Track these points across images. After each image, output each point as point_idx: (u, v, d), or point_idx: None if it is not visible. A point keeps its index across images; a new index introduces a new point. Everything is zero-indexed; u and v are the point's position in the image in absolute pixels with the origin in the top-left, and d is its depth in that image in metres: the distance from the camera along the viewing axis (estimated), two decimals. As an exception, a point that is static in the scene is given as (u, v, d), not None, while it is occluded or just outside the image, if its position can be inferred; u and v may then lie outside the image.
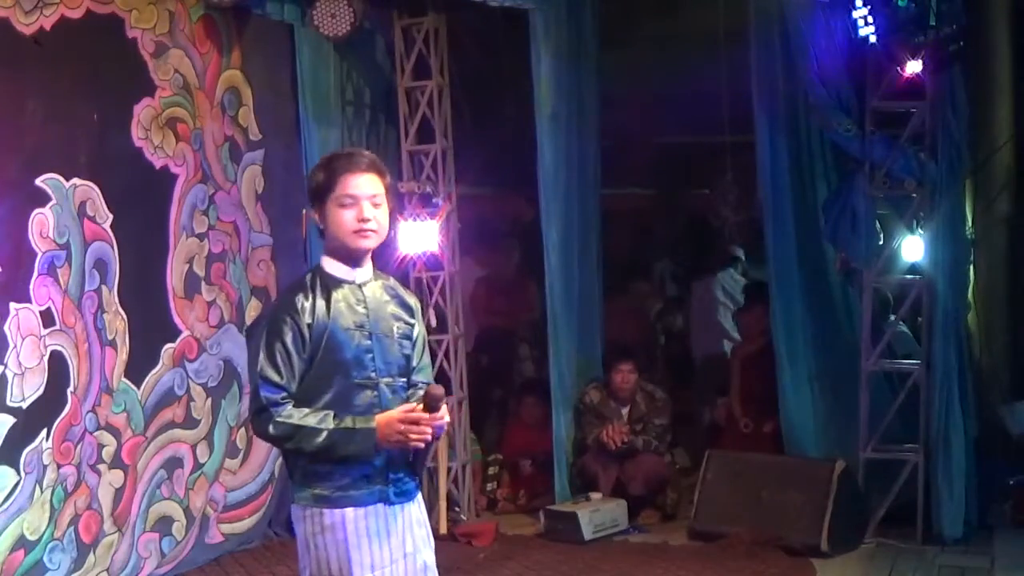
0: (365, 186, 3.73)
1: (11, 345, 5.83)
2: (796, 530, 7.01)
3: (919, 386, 7.11)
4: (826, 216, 7.35)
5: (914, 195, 7.15)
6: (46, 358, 6.00)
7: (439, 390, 3.71)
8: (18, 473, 5.83)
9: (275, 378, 3.63)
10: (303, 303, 3.68)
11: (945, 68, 6.83)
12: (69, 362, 6.14)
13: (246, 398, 7.31)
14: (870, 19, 6.65)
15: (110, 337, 6.43)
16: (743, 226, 10.20)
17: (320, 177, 3.75)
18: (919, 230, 7.20)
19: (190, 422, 7.01)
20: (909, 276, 7.31)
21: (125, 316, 6.53)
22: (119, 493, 6.52)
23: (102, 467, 6.41)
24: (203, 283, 7.11)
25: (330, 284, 3.74)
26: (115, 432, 6.49)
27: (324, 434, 3.61)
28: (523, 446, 8.66)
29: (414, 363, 3.88)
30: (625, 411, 8.11)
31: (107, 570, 6.44)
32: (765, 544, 7.01)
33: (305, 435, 3.61)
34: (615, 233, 9.27)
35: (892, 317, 7.52)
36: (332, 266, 3.77)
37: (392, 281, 3.93)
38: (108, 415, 6.44)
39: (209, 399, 7.13)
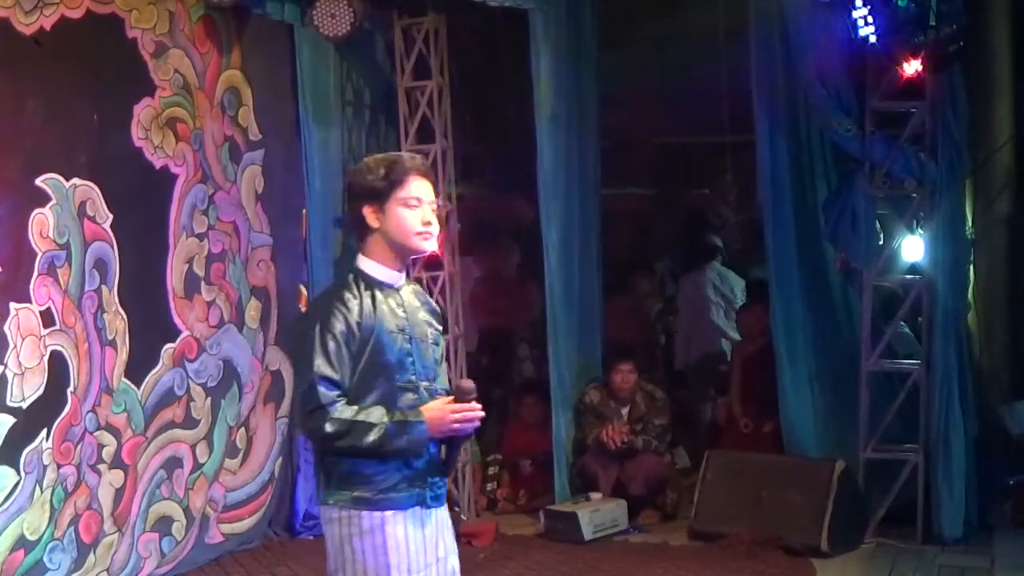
0: (428, 190, 3.77)
1: (11, 345, 5.83)
2: (796, 530, 7.00)
3: (919, 386, 7.11)
4: (826, 216, 7.34)
5: (914, 195, 7.15)
6: (46, 358, 6.00)
7: (469, 383, 3.75)
8: (18, 473, 5.83)
9: (332, 375, 3.61)
10: (352, 302, 3.67)
11: (945, 68, 6.83)
12: (69, 362, 6.14)
13: (247, 397, 7.34)
14: (870, 19, 6.64)
15: (110, 337, 6.43)
16: (743, 226, 10.21)
17: (380, 175, 3.71)
18: (919, 230, 7.20)
19: (190, 422, 7.01)
20: (909, 276, 7.30)
21: (125, 316, 6.53)
22: (119, 493, 6.52)
23: (102, 467, 6.41)
24: (203, 283, 7.11)
25: (373, 286, 3.73)
26: (115, 432, 6.49)
27: (379, 428, 3.60)
28: (523, 446, 8.66)
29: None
30: (625, 411, 8.11)
31: (107, 570, 6.44)
32: (765, 544, 7.00)
33: (360, 430, 3.59)
34: (615, 233, 9.27)
35: (898, 318, 7.49)
36: (374, 268, 3.75)
37: (418, 286, 3.96)
38: (108, 415, 6.44)
39: (209, 399, 7.13)
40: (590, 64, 8.25)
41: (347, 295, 3.68)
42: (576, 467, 8.07)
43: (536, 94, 7.84)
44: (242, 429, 7.37)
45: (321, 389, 3.59)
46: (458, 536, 7.73)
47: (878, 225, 7.31)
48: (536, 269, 8.40)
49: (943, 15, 6.58)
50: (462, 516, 7.94)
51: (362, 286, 3.71)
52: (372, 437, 3.59)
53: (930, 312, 7.10)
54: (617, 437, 7.89)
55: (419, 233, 3.73)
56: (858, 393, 7.23)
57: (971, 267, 7.43)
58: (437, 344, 3.89)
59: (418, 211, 3.72)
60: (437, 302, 7.95)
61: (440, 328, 3.93)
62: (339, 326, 3.63)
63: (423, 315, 3.85)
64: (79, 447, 6.20)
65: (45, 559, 6.02)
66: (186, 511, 6.99)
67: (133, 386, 6.61)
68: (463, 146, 8.33)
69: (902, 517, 7.08)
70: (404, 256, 3.80)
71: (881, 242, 7.34)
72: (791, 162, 7.46)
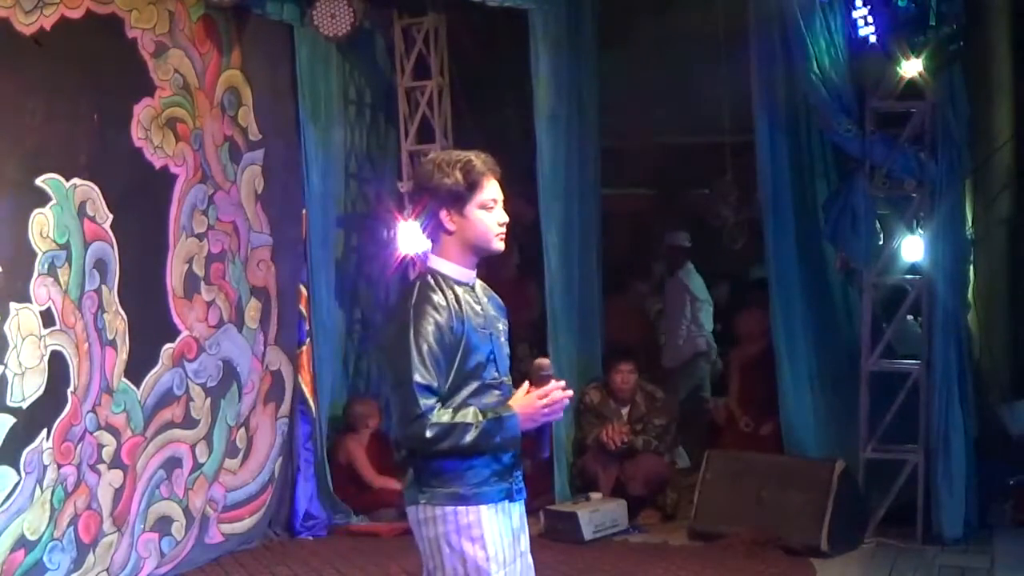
0: (499, 190, 3.82)
1: (11, 345, 5.83)
2: (796, 530, 7.00)
3: (919, 386, 7.10)
4: (826, 216, 7.35)
5: (914, 195, 7.15)
6: (46, 358, 6.00)
7: (545, 360, 3.82)
8: (18, 473, 5.83)
9: (428, 382, 3.61)
10: (441, 304, 3.68)
11: (945, 68, 6.83)
12: (69, 362, 6.14)
13: (246, 397, 7.34)
14: (870, 19, 6.65)
15: (110, 337, 6.43)
16: (743, 226, 10.20)
17: (459, 178, 3.72)
18: (919, 230, 7.20)
19: (189, 422, 7.01)
20: (909, 276, 7.30)
21: (125, 316, 6.53)
22: (119, 493, 6.52)
23: (102, 467, 6.41)
24: (202, 283, 7.11)
25: (452, 285, 3.74)
26: (115, 432, 6.49)
27: (476, 428, 3.62)
28: (523, 446, 8.63)
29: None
30: (625, 411, 8.11)
31: (107, 570, 6.44)
32: (765, 544, 7.00)
33: (459, 432, 3.61)
34: (615, 233, 9.27)
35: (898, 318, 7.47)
36: (449, 268, 3.77)
37: (483, 283, 3.96)
38: (108, 415, 6.44)
39: (208, 399, 7.13)
40: (590, 64, 8.26)
41: (435, 298, 3.68)
42: (576, 467, 8.07)
43: (536, 94, 7.84)
44: (242, 429, 7.37)
45: (420, 398, 3.59)
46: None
47: (878, 225, 7.31)
48: (535, 269, 8.40)
49: (943, 15, 6.58)
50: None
51: (443, 286, 3.73)
52: (470, 437, 3.62)
53: (930, 312, 7.10)
54: (617, 437, 7.89)
55: (497, 235, 3.79)
56: (858, 393, 7.23)
57: (971, 267, 7.43)
58: (507, 338, 3.93)
59: (495, 213, 3.78)
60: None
61: (507, 322, 3.96)
62: (432, 330, 3.64)
63: (493, 311, 3.89)
64: (79, 447, 6.20)
65: (45, 559, 6.03)
66: (186, 511, 6.99)
67: (133, 386, 6.61)
68: (463, 146, 8.30)
69: (902, 517, 7.08)
70: (479, 256, 3.82)
71: (881, 242, 7.34)
72: (791, 162, 7.47)
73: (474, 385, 3.72)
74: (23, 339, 5.89)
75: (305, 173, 7.83)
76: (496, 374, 3.80)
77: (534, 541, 7.48)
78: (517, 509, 3.84)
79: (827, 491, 6.96)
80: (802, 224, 7.49)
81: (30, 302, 5.95)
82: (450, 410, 3.64)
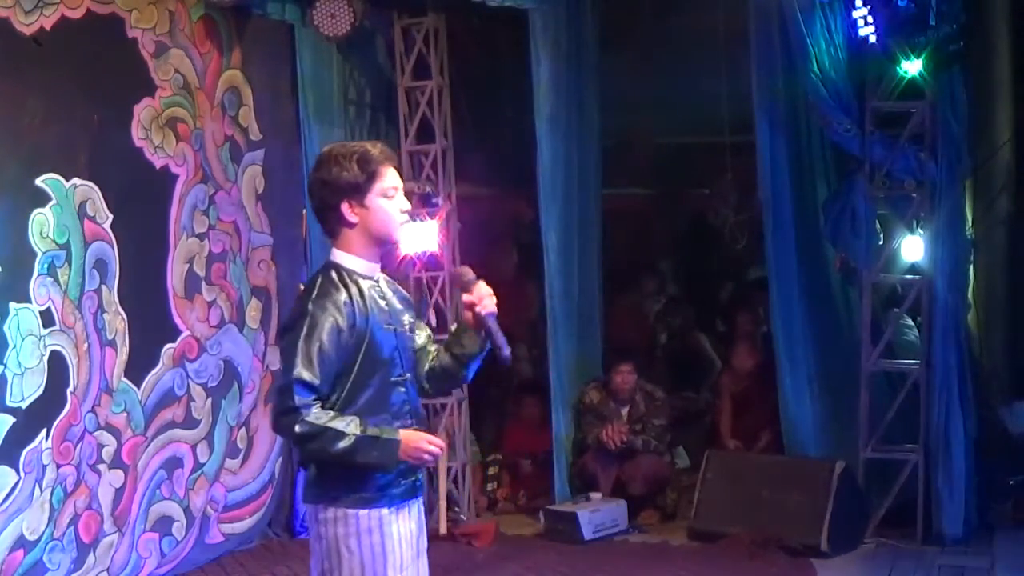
0: (398, 177, 3.74)
1: (11, 345, 5.83)
2: (796, 530, 7.00)
3: (919, 386, 7.10)
4: (826, 216, 7.34)
5: (914, 195, 7.15)
6: (46, 358, 6.00)
7: (467, 269, 3.78)
8: (17, 473, 5.83)
9: (311, 379, 3.54)
10: (343, 300, 3.62)
11: (945, 68, 6.83)
12: (69, 362, 6.14)
13: (247, 397, 7.35)
14: (870, 19, 6.65)
15: (110, 337, 6.43)
16: (743, 226, 10.21)
17: (356, 170, 3.65)
18: (919, 230, 7.19)
19: (190, 422, 7.01)
20: (909, 276, 7.30)
21: (125, 316, 6.53)
22: (119, 493, 6.52)
23: (102, 467, 6.41)
24: (203, 283, 7.11)
25: (357, 280, 3.69)
26: (115, 432, 6.49)
27: (348, 439, 3.55)
28: (522, 446, 8.66)
29: (421, 341, 3.88)
30: (625, 411, 8.10)
31: (107, 570, 6.44)
32: (765, 544, 7.00)
33: (330, 438, 3.54)
34: (615, 233, 9.27)
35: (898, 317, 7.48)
36: (353, 262, 3.70)
37: (387, 276, 3.91)
38: (108, 415, 6.44)
39: (209, 399, 7.13)
40: (590, 64, 8.25)
41: (336, 294, 3.62)
42: (576, 467, 8.07)
43: (536, 94, 7.85)
44: (243, 429, 7.37)
45: (297, 393, 3.53)
46: (458, 536, 7.82)
47: (878, 225, 7.31)
48: (534, 269, 8.40)
49: (943, 15, 6.58)
50: (462, 516, 7.95)
51: (347, 281, 3.66)
52: (342, 445, 3.54)
53: (930, 312, 7.09)
54: (617, 437, 7.89)
55: (400, 223, 3.73)
56: (858, 393, 7.23)
57: (971, 267, 7.42)
58: (413, 331, 3.85)
59: (396, 200, 3.70)
60: (437, 302, 8.06)
61: (414, 316, 3.89)
62: (328, 328, 3.57)
63: (399, 304, 3.82)
64: (79, 447, 6.20)
65: (45, 559, 6.02)
66: (186, 511, 6.99)
67: (133, 386, 6.61)
68: (463, 146, 8.33)
69: (902, 517, 7.08)
70: (382, 247, 3.77)
71: (881, 242, 7.33)
72: (791, 162, 7.46)
73: (380, 384, 3.67)
74: (23, 339, 5.89)
75: (305, 173, 7.82)
76: (401, 371, 3.73)
77: (534, 541, 7.62)
78: (416, 507, 3.78)
79: (827, 491, 6.96)
80: (802, 224, 7.48)
81: (30, 302, 5.94)
82: (331, 413, 3.57)
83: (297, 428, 3.54)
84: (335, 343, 3.58)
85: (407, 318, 3.81)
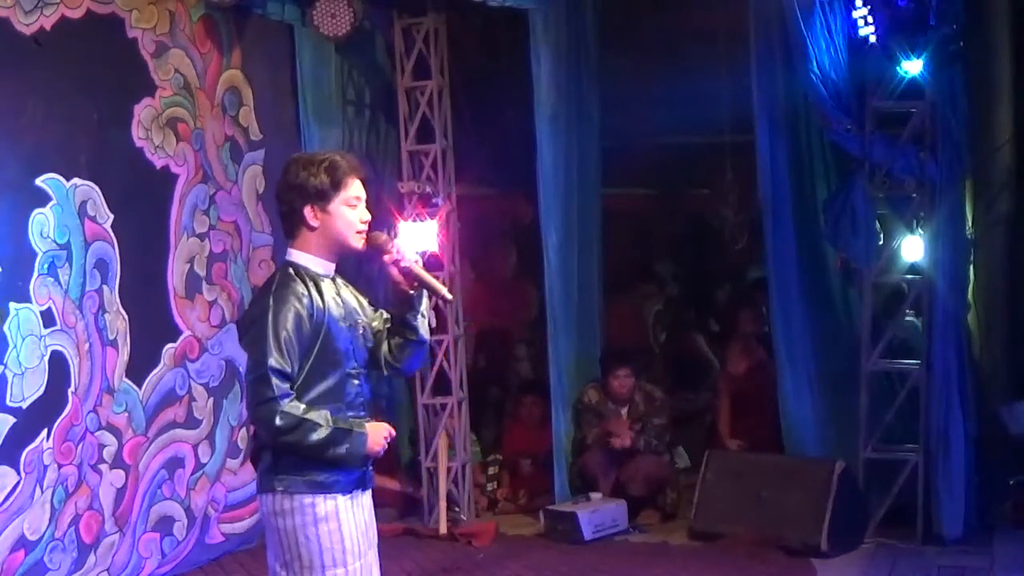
0: (362, 190, 3.90)
1: (11, 345, 5.83)
2: (796, 530, 7.00)
3: (919, 386, 7.10)
4: (826, 216, 7.34)
5: (914, 195, 7.15)
6: (46, 358, 6.00)
7: (375, 232, 3.91)
8: (18, 473, 5.84)
9: (283, 367, 3.67)
10: (303, 293, 3.75)
11: (945, 68, 6.83)
12: (70, 362, 6.14)
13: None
14: (870, 19, 6.65)
15: (111, 337, 6.43)
16: (743, 226, 10.21)
17: (324, 178, 3.81)
18: (919, 230, 7.19)
19: (191, 422, 7.01)
20: (909, 276, 7.30)
21: (126, 316, 6.53)
22: (120, 493, 6.52)
23: (103, 467, 6.42)
24: (204, 283, 7.11)
25: (313, 276, 3.83)
26: (116, 432, 6.50)
27: (324, 430, 3.69)
28: (522, 446, 8.66)
29: (377, 325, 4.00)
30: (624, 411, 8.11)
31: (107, 570, 6.44)
32: (765, 544, 7.00)
33: (308, 429, 3.67)
34: (615, 233, 9.28)
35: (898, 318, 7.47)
36: (310, 261, 3.85)
37: (341, 278, 4.03)
38: (109, 415, 6.44)
39: (210, 399, 7.14)
40: (590, 64, 8.25)
41: (295, 286, 3.76)
42: (576, 467, 8.07)
43: (536, 94, 7.85)
44: (244, 429, 7.37)
45: (274, 381, 3.65)
46: (458, 536, 7.81)
47: (878, 225, 7.30)
48: (534, 269, 8.40)
49: (943, 15, 6.58)
50: (462, 516, 7.94)
51: (305, 278, 3.80)
52: (316, 436, 3.67)
53: (930, 312, 7.09)
54: (624, 438, 7.87)
55: (359, 232, 3.86)
56: (858, 393, 7.23)
57: (971, 267, 7.42)
58: (368, 330, 3.96)
59: (358, 210, 3.86)
60: (436, 302, 8.05)
61: (368, 315, 4.00)
62: (291, 317, 3.70)
63: (354, 303, 3.95)
64: (80, 447, 6.20)
65: (45, 559, 6.02)
66: (187, 511, 6.99)
67: (134, 386, 6.62)
68: (463, 146, 8.33)
69: (902, 517, 7.07)
70: (339, 252, 3.90)
71: (881, 242, 7.33)
72: (791, 162, 7.46)
73: (337, 375, 3.79)
74: (23, 339, 5.89)
75: (306, 173, 7.82)
76: (355, 364, 3.87)
77: (534, 541, 7.62)
78: (367, 499, 3.91)
79: (827, 491, 6.95)
80: (802, 224, 7.48)
81: (30, 302, 5.95)
82: (303, 405, 3.69)
83: (278, 420, 3.65)
84: (298, 332, 3.71)
85: (361, 318, 3.95)
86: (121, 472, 6.53)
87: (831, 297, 7.63)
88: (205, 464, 7.11)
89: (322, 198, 3.80)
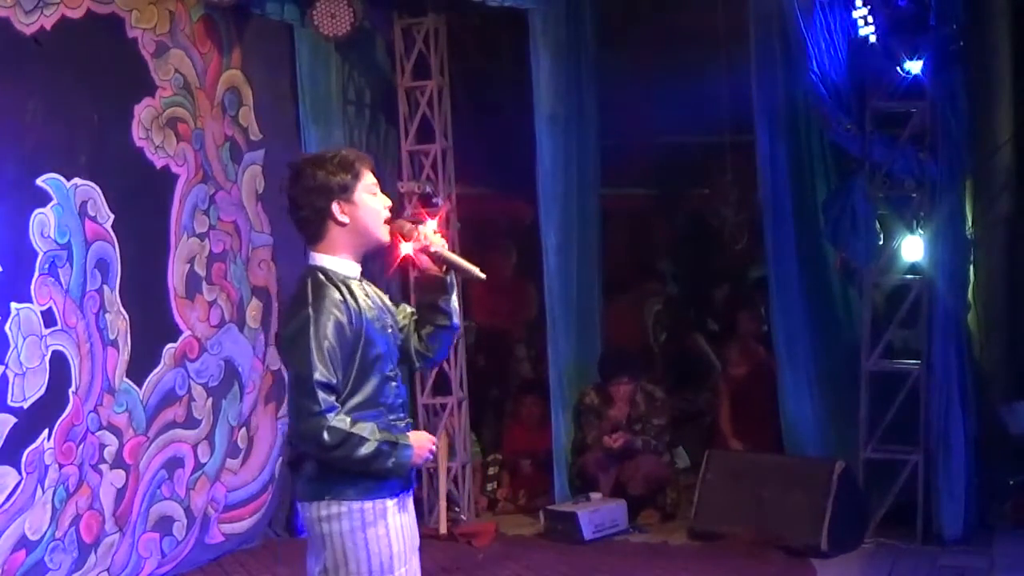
0: (375, 177, 3.85)
1: (12, 345, 5.84)
2: (796, 530, 7.00)
3: (919, 386, 7.10)
4: (826, 216, 7.34)
5: (914, 195, 7.15)
6: (47, 358, 6.01)
7: (400, 221, 3.87)
8: (19, 473, 5.84)
9: (328, 379, 3.58)
10: (340, 300, 3.67)
11: (945, 68, 6.83)
12: (70, 362, 6.14)
13: (248, 397, 7.35)
14: (870, 19, 6.66)
15: (112, 337, 6.43)
16: (743, 226, 10.21)
17: (343, 173, 3.75)
18: (919, 230, 7.19)
19: (191, 422, 7.01)
20: (909, 276, 7.30)
21: (126, 316, 6.53)
22: (120, 493, 6.52)
23: (103, 467, 6.42)
24: (204, 283, 7.11)
25: (345, 280, 3.74)
26: (116, 432, 6.50)
27: (371, 444, 3.61)
28: (522, 446, 8.66)
29: (405, 320, 3.96)
30: (624, 413, 8.09)
31: (107, 570, 6.45)
32: (765, 544, 7.00)
33: (355, 444, 3.59)
34: (614, 233, 9.27)
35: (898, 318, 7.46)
36: (337, 263, 3.76)
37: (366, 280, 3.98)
38: (110, 415, 6.44)
39: (210, 399, 7.14)
40: (590, 64, 8.25)
41: (331, 293, 3.67)
42: (576, 467, 8.07)
43: (536, 94, 7.85)
44: (243, 429, 7.38)
45: (320, 395, 3.56)
46: (458, 536, 7.81)
47: (878, 225, 7.30)
48: (532, 269, 8.40)
49: (943, 15, 6.59)
50: (462, 516, 7.95)
51: (337, 282, 3.72)
52: (364, 451, 3.60)
53: (930, 312, 7.10)
54: (620, 440, 7.87)
55: (384, 219, 3.81)
56: (858, 393, 7.23)
57: (971, 267, 7.42)
58: (398, 330, 3.91)
59: (379, 197, 3.82)
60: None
61: (397, 318, 3.94)
62: (332, 327, 3.61)
63: (382, 303, 3.89)
64: (80, 447, 6.21)
65: (46, 559, 6.03)
66: (187, 511, 6.99)
67: (135, 386, 6.62)
68: (463, 146, 8.33)
69: (902, 517, 7.07)
70: (366, 249, 3.85)
71: (881, 242, 7.33)
72: (791, 162, 7.46)
73: (376, 379, 3.72)
74: (24, 339, 5.89)
75: (305, 173, 7.81)
76: (391, 366, 3.81)
77: (534, 541, 7.62)
78: (410, 499, 3.86)
79: (827, 491, 6.95)
80: (802, 224, 7.48)
81: (31, 302, 5.95)
82: (349, 419, 3.61)
83: (325, 436, 3.57)
84: (340, 340, 3.63)
85: (390, 318, 3.89)
86: (121, 472, 6.53)
87: (831, 297, 7.63)
88: (204, 464, 7.11)
89: (345, 191, 3.73)
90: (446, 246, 3.91)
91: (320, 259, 3.77)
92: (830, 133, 7.23)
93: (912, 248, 7.22)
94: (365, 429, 3.61)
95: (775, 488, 7.19)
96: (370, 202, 3.78)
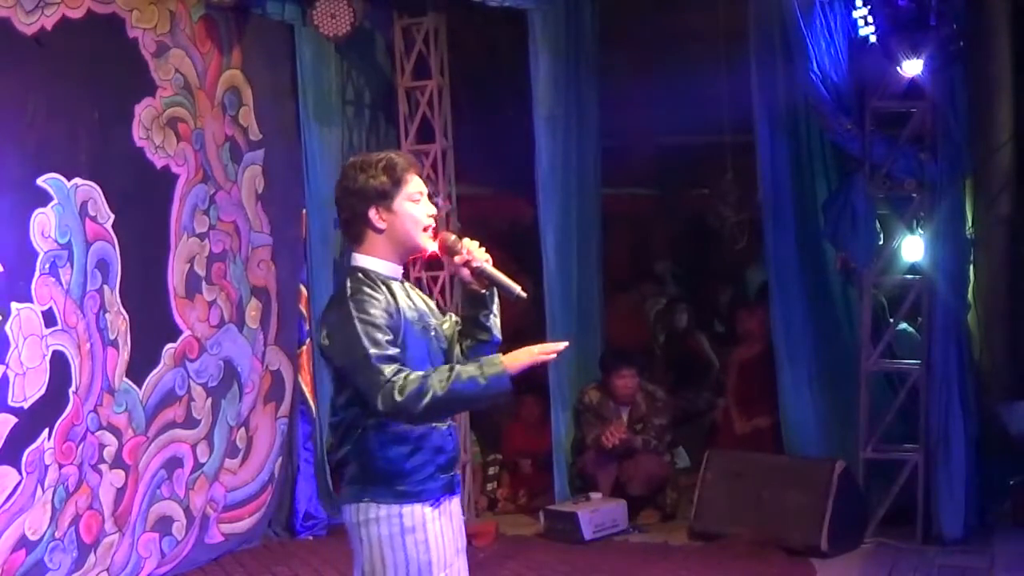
0: (422, 185, 3.81)
1: (12, 345, 5.84)
2: (796, 530, 7.01)
3: (919, 386, 7.11)
4: (826, 216, 7.34)
5: (914, 195, 7.15)
6: (47, 358, 6.00)
7: (445, 233, 3.81)
8: (20, 473, 5.84)
9: (386, 351, 3.54)
10: (378, 297, 3.64)
11: (945, 68, 6.83)
12: (71, 362, 6.14)
13: (247, 397, 7.35)
14: (870, 19, 6.65)
15: (112, 337, 6.44)
16: (743, 226, 10.21)
17: (384, 178, 3.71)
18: (919, 230, 7.20)
19: (191, 422, 7.02)
20: (909, 276, 7.30)
21: (126, 316, 6.53)
22: (120, 493, 6.52)
23: (103, 467, 6.42)
24: (204, 283, 7.12)
25: (384, 280, 3.72)
26: (116, 432, 6.50)
27: (445, 371, 3.55)
28: (522, 446, 8.66)
29: (449, 331, 3.91)
30: (625, 412, 8.10)
31: (107, 570, 6.45)
32: (765, 544, 7.00)
33: (435, 382, 3.51)
34: (615, 233, 9.27)
35: (898, 319, 7.47)
36: (377, 264, 3.74)
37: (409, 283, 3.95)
38: (109, 415, 6.44)
39: (209, 399, 7.14)
40: (590, 64, 8.25)
41: (371, 291, 3.65)
42: (576, 467, 8.07)
43: (535, 94, 7.85)
44: (242, 429, 7.38)
45: (380, 364, 3.52)
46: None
47: (878, 225, 7.31)
48: (533, 269, 8.39)
49: (943, 15, 6.58)
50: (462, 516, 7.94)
51: (375, 281, 3.69)
52: (449, 385, 3.51)
53: (930, 312, 7.10)
54: (615, 438, 7.87)
55: (426, 228, 3.77)
56: (858, 393, 7.23)
57: (971, 267, 7.42)
58: (439, 331, 3.87)
59: (421, 205, 3.77)
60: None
61: (439, 317, 3.92)
62: (377, 312, 3.59)
63: (424, 306, 3.86)
64: (80, 447, 6.21)
65: (46, 559, 6.03)
66: (186, 511, 6.99)
67: (134, 386, 6.62)
68: (463, 146, 8.33)
69: (902, 517, 7.08)
70: (407, 253, 3.82)
71: (881, 242, 7.34)
72: (791, 162, 7.47)
73: None
74: (24, 339, 5.89)
75: (305, 173, 7.84)
76: (431, 368, 3.72)
77: (534, 541, 7.62)
78: (456, 504, 3.82)
79: (827, 491, 6.95)
80: (802, 224, 7.49)
81: (31, 302, 5.95)
82: (418, 373, 3.56)
83: (397, 396, 3.49)
84: (388, 322, 3.61)
85: (432, 320, 3.85)
86: (121, 472, 6.53)
87: (831, 297, 7.62)
88: (203, 464, 7.11)
89: (384, 198, 3.70)
90: (490, 261, 3.84)
91: (361, 260, 3.76)
92: (830, 133, 7.23)
93: (912, 248, 7.23)
94: (434, 370, 3.57)
95: (775, 488, 7.19)
96: (410, 209, 3.73)
